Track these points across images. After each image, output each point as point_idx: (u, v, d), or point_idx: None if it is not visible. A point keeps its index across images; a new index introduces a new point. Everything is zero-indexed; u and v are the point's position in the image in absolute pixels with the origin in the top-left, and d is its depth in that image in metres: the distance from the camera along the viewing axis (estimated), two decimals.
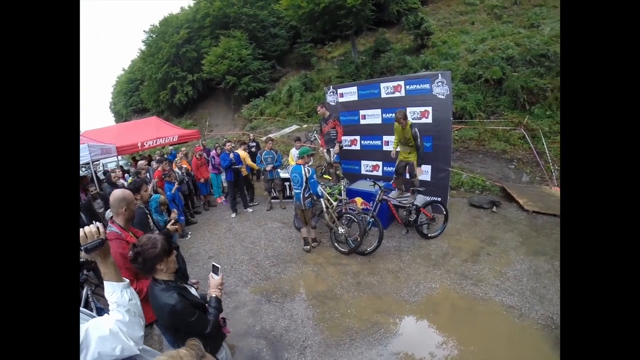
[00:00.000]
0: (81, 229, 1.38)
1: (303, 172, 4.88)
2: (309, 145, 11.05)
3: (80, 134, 9.80)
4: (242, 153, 7.87)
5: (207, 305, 1.99)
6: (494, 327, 3.40)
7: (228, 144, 7.56)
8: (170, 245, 1.87)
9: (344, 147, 7.15)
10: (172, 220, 3.01)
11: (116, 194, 2.57)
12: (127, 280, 1.54)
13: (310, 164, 6.43)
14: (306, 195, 4.97)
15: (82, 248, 1.37)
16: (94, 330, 1.33)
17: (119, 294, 1.46)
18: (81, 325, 1.32)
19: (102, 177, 8.82)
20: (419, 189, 5.38)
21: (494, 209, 6.36)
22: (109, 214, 5.08)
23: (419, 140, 5.17)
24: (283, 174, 7.64)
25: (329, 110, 7.02)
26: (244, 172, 7.80)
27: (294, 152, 7.40)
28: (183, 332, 1.80)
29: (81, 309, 1.66)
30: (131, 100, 31.48)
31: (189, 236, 6.64)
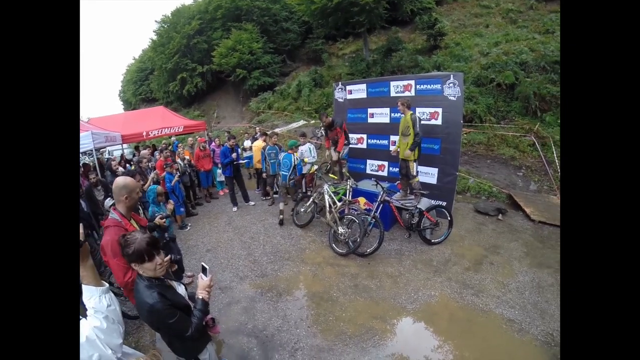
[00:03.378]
0: None
1: (292, 159, 6.21)
2: (315, 141, 10.96)
3: (86, 121, 9.81)
4: (259, 144, 7.80)
5: (193, 306, 1.89)
6: (492, 341, 3.26)
7: (232, 140, 7.45)
8: (150, 252, 1.71)
9: (350, 145, 7.01)
10: (162, 215, 2.88)
11: (118, 181, 2.51)
12: (106, 285, 1.47)
13: (314, 160, 6.53)
14: (291, 177, 6.26)
15: None
16: None
17: (97, 299, 1.40)
18: None
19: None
20: (423, 192, 5.24)
21: (500, 216, 6.20)
22: (108, 202, 5.05)
23: (417, 125, 4.99)
24: None
25: (337, 105, 6.88)
26: (258, 166, 7.85)
27: (301, 148, 7.34)
28: (163, 331, 1.71)
29: None
30: (140, 89, 31.64)
31: (189, 228, 6.59)
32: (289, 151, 6.31)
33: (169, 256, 2.18)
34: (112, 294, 1.49)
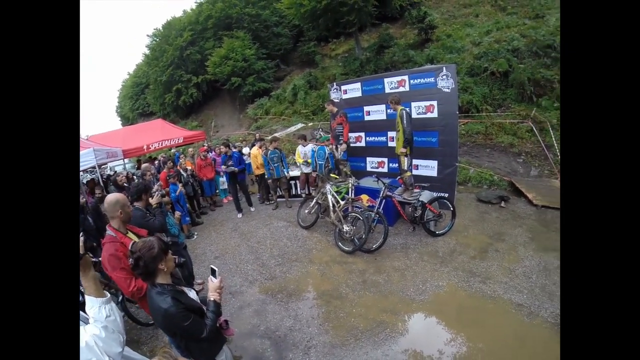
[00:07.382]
0: None
1: (326, 150, 6.77)
2: (314, 142, 10.99)
3: (87, 138, 9.91)
4: (255, 151, 7.81)
5: (205, 309, 1.95)
6: (503, 326, 3.31)
7: (222, 147, 7.65)
8: (165, 244, 1.88)
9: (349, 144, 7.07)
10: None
11: (109, 198, 2.61)
12: (108, 296, 1.56)
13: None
14: (326, 166, 6.70)
15: None
16: None
17: (96, 309, 1.49)
18: None
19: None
20: (423, 184, 5.30)
21: (503, 204, 6.23)
22: None
23: (404, 120, 5.06)
24: (292, 172, 7.60)
25: (336, 106, 6.94)
26: (257, 172, 7.86)
27: (300, 149, 7.36)
28: (179, 335, 1.78)
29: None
30: (137, 103, 31.72)
31: (195, 237, 6.65)
32: (322, 144, 7.12)
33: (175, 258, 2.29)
34: (114, 305, 1.58)
